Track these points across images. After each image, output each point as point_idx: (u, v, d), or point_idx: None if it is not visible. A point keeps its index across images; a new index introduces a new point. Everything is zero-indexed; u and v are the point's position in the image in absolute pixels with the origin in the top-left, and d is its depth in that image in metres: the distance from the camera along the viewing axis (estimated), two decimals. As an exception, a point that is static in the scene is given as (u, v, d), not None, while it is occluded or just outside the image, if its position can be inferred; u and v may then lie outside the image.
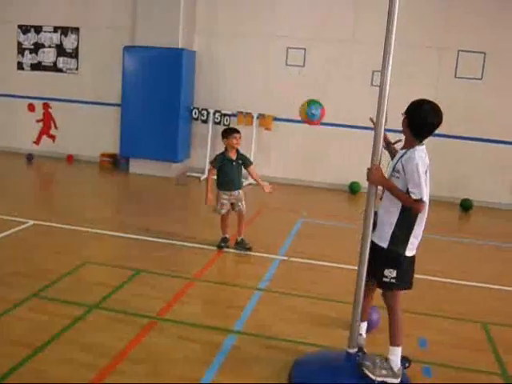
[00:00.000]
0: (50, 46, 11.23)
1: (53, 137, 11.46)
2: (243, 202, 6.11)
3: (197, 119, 10.36)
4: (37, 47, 11.27)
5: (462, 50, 9.43)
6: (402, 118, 3.46)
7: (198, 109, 10.32)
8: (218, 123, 10.17)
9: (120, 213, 7.92)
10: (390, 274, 3.44)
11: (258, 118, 10.11)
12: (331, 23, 9.85)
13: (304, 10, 9.92)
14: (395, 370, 3.49)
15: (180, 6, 9.73)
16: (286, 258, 6.00)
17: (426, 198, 3.28)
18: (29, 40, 11.31)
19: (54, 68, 11.24)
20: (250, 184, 8.74)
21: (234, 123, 9.93)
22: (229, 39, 10.28)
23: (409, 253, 3.44)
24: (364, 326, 3.83)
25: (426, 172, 3.35)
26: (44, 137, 11.51)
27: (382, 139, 3.39)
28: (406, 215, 3.40)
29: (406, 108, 3.46)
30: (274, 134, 10.21)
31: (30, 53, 11.33)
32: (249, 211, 7.60)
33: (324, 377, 3.51)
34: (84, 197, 8.38)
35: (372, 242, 3.45)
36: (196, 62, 10.39)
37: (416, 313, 4.76)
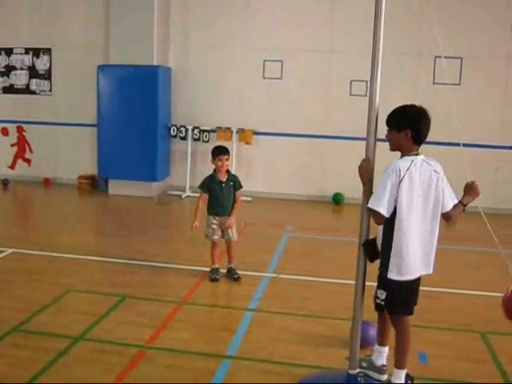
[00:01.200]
0: (21, 68, 11.02)
1: (28, 160, 11.22)
2: (234, 230, 5.68)
3: (175, 136, 10.20)
4: (8, 69, 11.05)
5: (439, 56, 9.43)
6: (389, 133, 3.26)
7: (176, 126, 10.17)
8: (198, 139, 10.03)
9: (101, 236, 7.72)
10: (381, 295, 3.30)
11: (237, 132, 9.98)
12: (307, 34, 9.80)
13: (279, 22, 9.86)
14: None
15: (153, 22, 9.61)
16: (274, 275, 5.85)
17: (383, 211, 3.06)
18: (0, 63, 11.08)
19: (27, 90, 11.03)
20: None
21: (213, 139, 9.81)
22: (204, 54, 10.17)
23: (394, 276, 3.18)
24: (384, 352, 3.56)
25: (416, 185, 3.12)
26: (19, 161, 11.26)
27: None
28: (386, 231, 3.20)
29: (393, 120, 3.24)
30: (254, 148, 10.09)
31: (2, 76, 11.10)
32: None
33: (325, 401, 3.36)
34: (63, 221, 8.15)
35: None
36: (172, 78, 10.25)
37: (411, 325, 4.64)
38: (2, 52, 11.01)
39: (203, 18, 10.12)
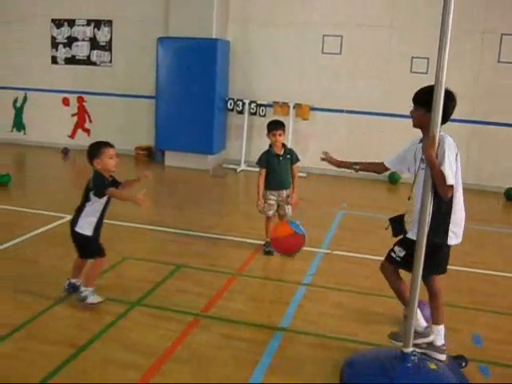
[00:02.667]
0: (83, 40, 11.19)
1: (88, 130, 11.45)
2: (291, 206, 5.67)
3: (232, 110, 10.22)
4: (70, 41, 11.25)
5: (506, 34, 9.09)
6: (415, 110, 3.38)
7: (233, 99, 10.18)
8: (254, 114, 10.02)
9: (157, 206, 7.82)
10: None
11: (294, 107, 9.91)
12: (369, 9, 9.58)
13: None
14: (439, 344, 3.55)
15: (213, -5, 9.58)
16: (328, 251, 5.83)
17: (452, 181, 3.17)
18: (62, 34, 11.29)
19: (88, 61, 11.21)
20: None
21: (269, 113, 9.77)
22: (263, 28, 10.09)
23: (454, 242, 3.43)
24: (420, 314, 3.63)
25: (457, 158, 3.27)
26: (79, 130, 11.51)
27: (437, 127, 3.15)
28: (445, 204, 3.32)
29: (422, 98, 3.29)
30: (311, 123, 10.01)
31: (64, 47, 11.31)
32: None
33: (378, 376, 3.33)
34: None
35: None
36: (230, 51, 10.23)
37: (465, 307, 4.57)
38: (65, 23, 11.21)
39: (263, -9, 10.04)
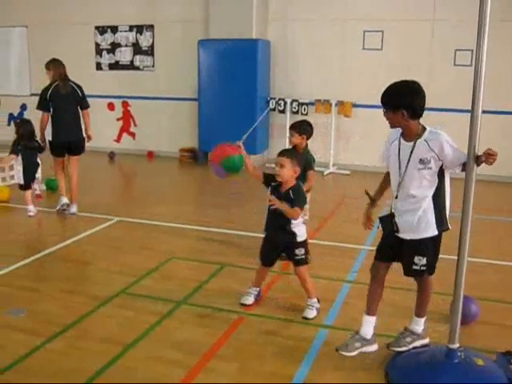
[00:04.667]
0: (126, 45, 11.41)
1: (133, 134, 11.66)
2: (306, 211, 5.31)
3: (274, 109, 10.24)
4: (114, 47, 11.48)
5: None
6: (390, 114, 3.28)
7: (274, 99, 10.21)
8: (296, 112, 10.02)
9: (201, 206, 7.91)
10: (420, 261, 3.37)
11: (336, 105, 9.88)
12: (409, 2, 9.46)
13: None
14: (421, 333, 3.58)
15: (253, -4, 9.63)
16: (372, 248, 5.77)
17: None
18: (106, 40, 11.53)
19: (132, 66, 11.42)
20: (330, 173, 8.52)
21: (311, 112, 9.76)
22: (303, 26, 10.08)
23: (448, 226, 3.37)
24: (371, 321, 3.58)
25: None
26: (124, 134, 11.73)
27: (477, 135, 3.11)
28: (441, 189, 3.30)
29: (388, 99, 3.28)
30: (353, 120, 9.95)
31: (108, 53, 11.55)
32: (329, 201, 7.42)
33: (425, 374, 3.29)
34: (165, 192, 8.44)
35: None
36: (271, 51, 10.26)
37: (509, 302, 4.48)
38: (108, 30, 11.44)
39: (302, -11, 10.03)
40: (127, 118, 11.65)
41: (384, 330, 3.79)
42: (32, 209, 6.83)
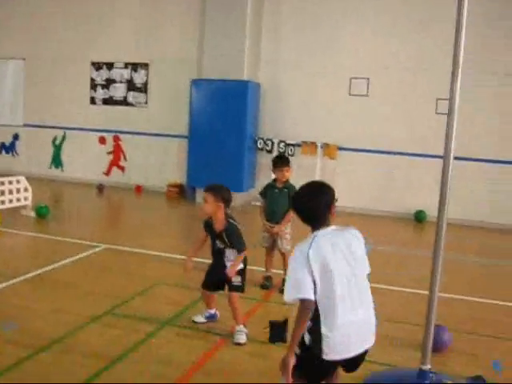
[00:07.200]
0: (120, 82, 11.72)
1: (122, 168, 11.88)
2: (284, 240, 5.60)
3: (262, 149, 10.54)
4: (108, 83, 11.79)
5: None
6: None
7: (262, 139, 10.52)
8: (283, 153, 10.29)
9: (186, 239, 8.07)
10: None
11: (322, 147, 10.19)
12: (395, 51, 9.91)
13: (367, 39, 10.04)
14: None
15: (245, 39, 10.04)
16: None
17: None
18: (101, 76, 11.85)
19: (125, 102, 11.72)
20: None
21: (298, 153, 10.07)
22: (292, 70, 10.49)
23: None
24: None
25: None
26: (114, 168, 11.94)
27: (449, 170, 3.38)
28: None
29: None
30: (338, 163, 10.26)
31: (102, 88, 11.85)
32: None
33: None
34: (152, 224, 8.62)
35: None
36: (261, 92, 10.62)
37: (482, 335, 4.68)
38: (104, 66, 11.77)
39: (292, 36, 10.48)
40: (117, 152, 11.88)
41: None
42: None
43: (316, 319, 2.76)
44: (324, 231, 2.87)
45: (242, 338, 4.22)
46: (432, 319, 3.51)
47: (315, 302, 2.72)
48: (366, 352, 2.91)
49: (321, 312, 2.74)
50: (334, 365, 2.85)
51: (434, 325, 3.61)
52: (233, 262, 4.31)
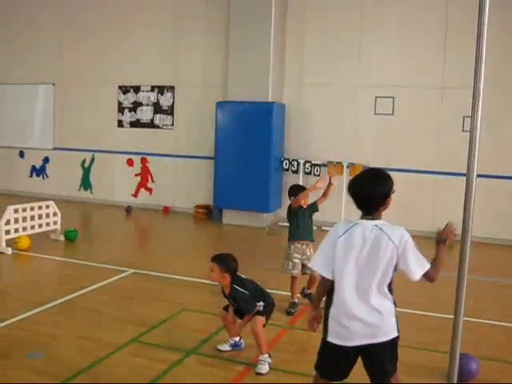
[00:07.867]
0: (147, 105, 11.87)
1: (150, 190, 11.99)
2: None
3: (287, 170, 10.55)
4: (135, 106, 11.95)
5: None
6: None
7: (288, 159, 10.53)
8: (309, 173, 10.31)
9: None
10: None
11: (348, 167, 10.16)
12: (420, 70, 9.86)
13: (391, 58, 10.02)
14: None
15: (270, 61, 10.10)
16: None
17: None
18: (128, 99, 12.02)
19: (152, 125, 11.86)
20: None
21: (324, 173, 10.05)
22: (317, 90, 10.50)
23: None
24: None
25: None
26: (142, 190, 12.06)
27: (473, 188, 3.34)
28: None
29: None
30: (364, 182, 10.18)
31: (129, 111, 12.02)
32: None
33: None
34: (180, 247, 8.68)
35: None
36: (286, 113, 10.65)
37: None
38: (131, 89, 11.95)
39: (316, 57, 10.50)
40: (145, 174, 12.02)
41: None
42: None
43: (330, 296, 3.01)
44: (367, 223, 2.98)
45: (265, 368, 4.21)
46: (457, 345, 3.47)
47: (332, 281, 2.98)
48: (381, 348, 3.04)
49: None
50: (342, 352, 3.00)
51: (460, 353, 3.56)
52: (241, 322, 4.46)
